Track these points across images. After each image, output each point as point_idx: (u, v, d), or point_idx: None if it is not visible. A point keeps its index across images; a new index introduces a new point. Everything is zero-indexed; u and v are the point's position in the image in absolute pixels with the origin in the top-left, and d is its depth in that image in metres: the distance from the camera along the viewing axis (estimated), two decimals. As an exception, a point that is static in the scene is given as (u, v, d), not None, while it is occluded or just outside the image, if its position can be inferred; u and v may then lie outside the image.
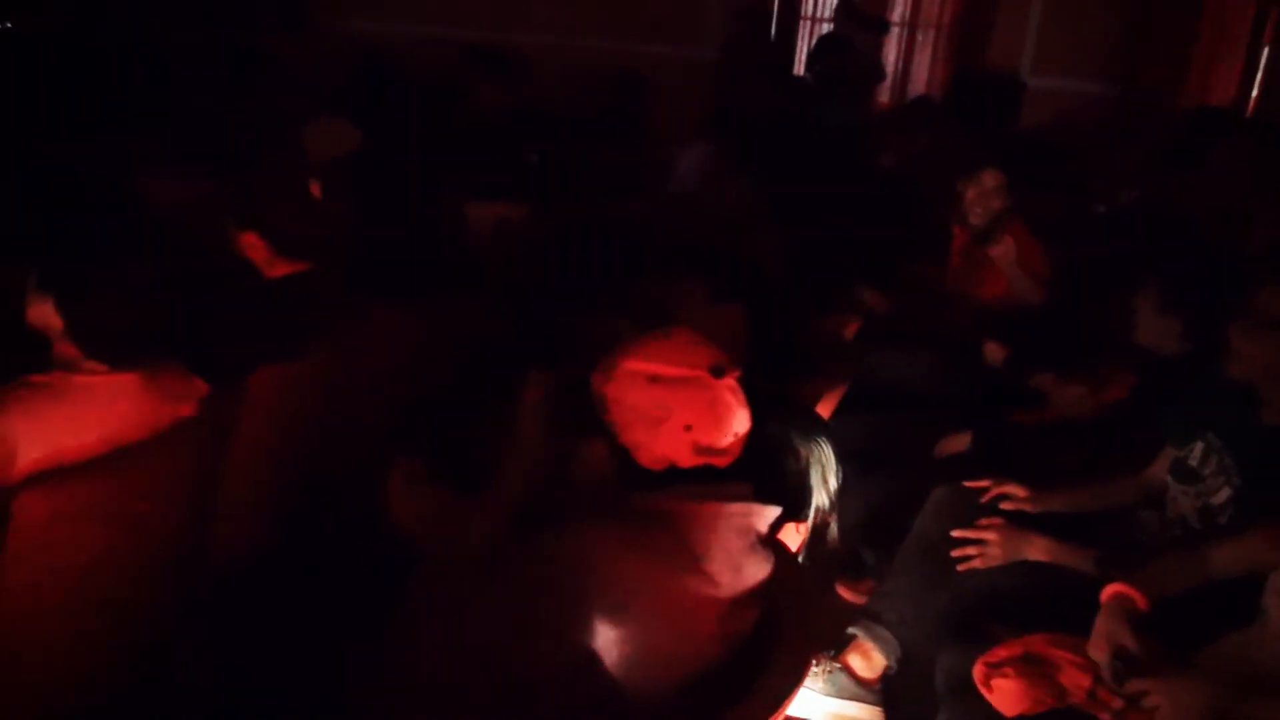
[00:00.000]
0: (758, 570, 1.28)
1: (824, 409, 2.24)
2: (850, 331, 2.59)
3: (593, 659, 1.19)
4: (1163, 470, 2.06)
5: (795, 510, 1.32)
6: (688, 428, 1.27)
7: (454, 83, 4.47)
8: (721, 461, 1.28)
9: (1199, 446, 1.96)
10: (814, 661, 2.04)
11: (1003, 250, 2.92)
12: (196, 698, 1.88)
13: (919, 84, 6.94)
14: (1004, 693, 1.61)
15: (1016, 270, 2.94)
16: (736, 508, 1.27)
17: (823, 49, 6.14)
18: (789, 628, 1.30)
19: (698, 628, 1.24)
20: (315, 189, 2.08)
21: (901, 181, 4.01)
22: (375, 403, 2.23)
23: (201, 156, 3.27)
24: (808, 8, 6.90)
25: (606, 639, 1.18)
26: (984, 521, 2.02)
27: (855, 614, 2.13)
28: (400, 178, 2.55)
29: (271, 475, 2.03)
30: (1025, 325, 2.85)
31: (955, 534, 2.01)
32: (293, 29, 5.25)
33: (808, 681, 1.90)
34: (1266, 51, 5.75)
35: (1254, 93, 5.84)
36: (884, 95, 6.78)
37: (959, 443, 2.47)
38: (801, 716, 2.10)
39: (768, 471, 1.32)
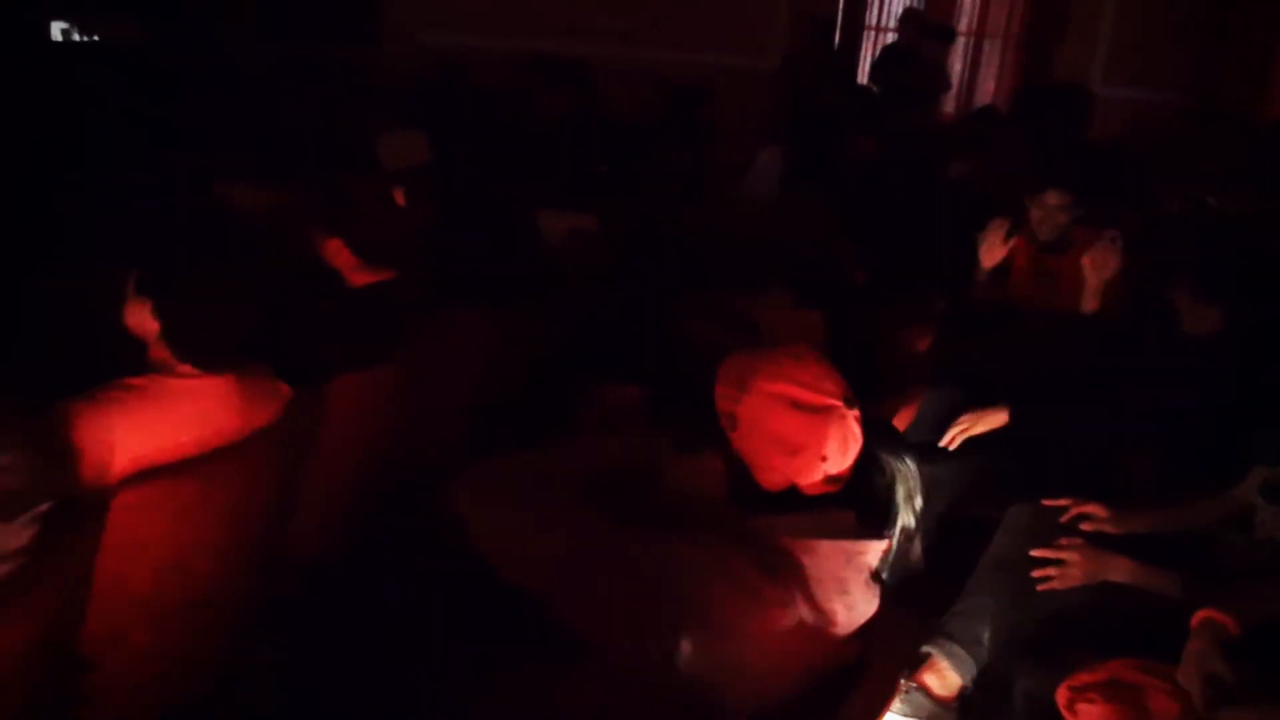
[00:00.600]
0: (869, 606, 1.27)
1: (898, 424, 2.22)
2: (923, 344, 2.56)
3: (685, 679, 1.18)
4: (1251, 491, 2.00)
5: (879, 528, 1.31)
6: (824, 459, 1.26)
7: (521, 93, 4.52)
8: (836, 488, 1.28)
9: (1294, 468, 1.90)
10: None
11: (1091, 259, 2.84)
12: (272, 696, 1.92)
13: (985, 94, 6.85)
14: (1089, 718, 1.58)
15: (1096, 279, 2.86)
16: (853, 545, 1.26)
17: (887, 59, 6.09)
18: (876, 651, 1.28)
19: (803, 661, 1.23)
20: (399, 198, 2.12)
21: (968, 192, 3.96)
22: (452, 409, 2.26)
23: (279, 165, 3.35)
24: (872, 17, 6.84)
25: (704, 663, 1.18)
26: (1064, 541, 1.99)
27: (931, 632, 2.10)
28: (477, 187, 2.58)
29: (350, 478, 2.07)
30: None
31: (1034, 553, 1.98)
32: (365, 41, 5.36)
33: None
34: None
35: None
36: (949, 105, 6.69)
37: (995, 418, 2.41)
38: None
39: (856, 489, 1.31)
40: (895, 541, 1.32)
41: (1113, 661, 1.67)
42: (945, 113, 6.56)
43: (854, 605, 1.25)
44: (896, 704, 2.05)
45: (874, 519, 1.32)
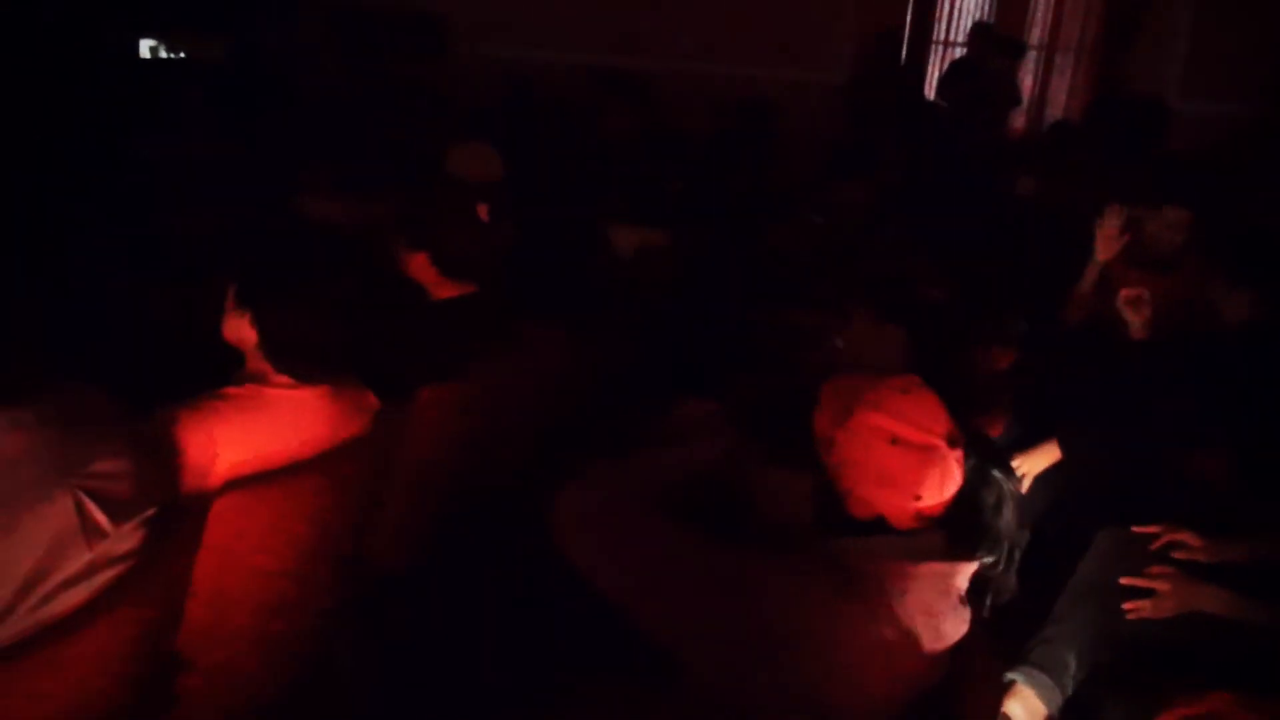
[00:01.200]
0: (957, 630, 1.25)
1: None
2: (1004, 362, 2.52)
3: (768, 701, 1.18)
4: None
5: (971, 549, 1.28)
6: (918, 497, 1.25)
7: (587, 109, 4.56)
8: (925, 524, 1.26)
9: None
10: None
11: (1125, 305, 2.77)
12: (352, 699, 1.95)
13: (1057, 108, 6.73)
14: (1187, 753, 1.53)
15: (1136, 318, 2.78)
16: (942, 567, 1.24)
17: (956, 73, 6.03)
18: (968, 677, 1.26)
19: (887, 684, 1.22)
20: (482, 213, 2.15)
21: (1040, 209, 3.89)
22: (528, 422, 2.27)
23: (357, 179, 3.42)
24: (940, 31, 6.77)
25: (788, 685, 1.17)
26: (1155, 569, 1.93)
27: (1016, 659, 2.05)
28: (551, 203, 2.61)
29: (432, 489, 2.09)
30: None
31: (1124, 581, 1.92)
32: (432, 56, 5.46)
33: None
34: None
35: None
36: (1019, 121, 6.59)
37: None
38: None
39: (959, 506, 1.28)
40: (1000, 562, 1.29)
41: (1212, 694, 1.61)
42: (1015, 128, 6.46)
43: (941, 629, 1.23)
44: (981, 732, 2.01)
45: (967, 539, 1.30)
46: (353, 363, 1.83)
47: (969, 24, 6.51)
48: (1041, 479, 2.37)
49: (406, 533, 2.07)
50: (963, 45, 6.58)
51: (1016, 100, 6.25)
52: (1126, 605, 1.91)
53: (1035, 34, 6.78)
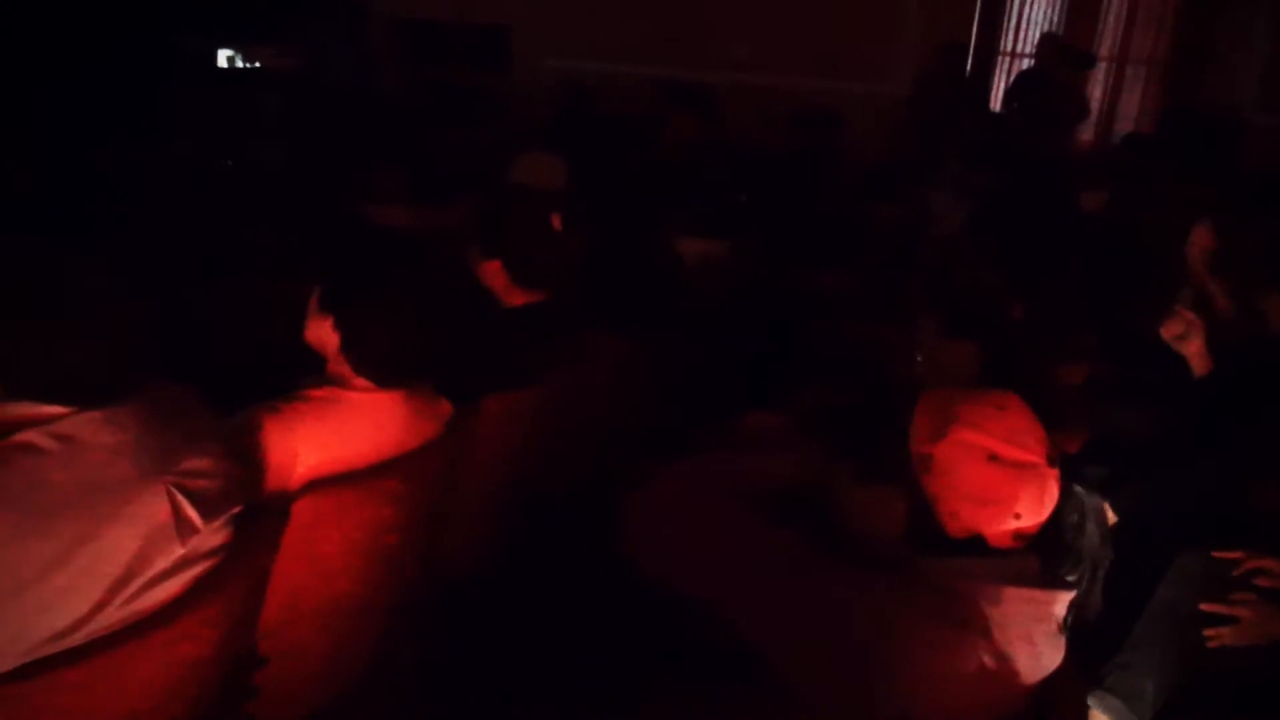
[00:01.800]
0: (1054, 657, 1.23)
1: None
2: (1078, 378, 2.47)
3: (851, 713, 1.17)
4: None
5: (1068, 574, 1.26)
6: (1017, 515, 1.23)
7: (650, 120, 4.58)
8: (1022, 544, 1.24)
9: None
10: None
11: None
12: (417, 696, 1.98)
13: (1126, 122, 6.59)
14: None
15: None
16: (1040, 594, 1.22)
17: (1022, 85, 5.93)
18: (1058, 703, 1.24)
19: (982, 710, 1.20)
20: (555, 222, 2.17)
21: (1110, 223, 3.80)
22: (595, 429, 2.29)
23: (424, 187, 3.48)
24: (1007, 43, 6.68)
25: (880, 704, 1.15)
26: (1238, 596, 1.87)
27: (1092, 684, 2.01)
28: (620, 213, 2.62)
29: (498, 493, 2.12)
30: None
31: (1205, 608, 1.87)
32: (498, 67, 5.54)
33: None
34: None
35: None
36: (1087, 134, 6.46)
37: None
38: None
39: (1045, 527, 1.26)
40: (1083, 580, 1.27)
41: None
42: (1083, 141, 6.34)
43: (1039, 655, 1.21)
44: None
45: (1060, 561, 1.27)
46: (427, 368, 1.85)
47: (1037, 35, 6.41)
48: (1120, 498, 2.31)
49: (475, 536, 2.10)
50: (1030, 57, 6.48)
51: (1084, 113, 6.14)
52: (1208, 632, 1.85)
53: (1105, 46, 6.65)
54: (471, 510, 2.07)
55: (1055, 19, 6.70)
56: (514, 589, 2.00)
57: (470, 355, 2.01)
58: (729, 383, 2.49)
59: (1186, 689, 1.87)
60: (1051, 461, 1.23)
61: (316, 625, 1.75)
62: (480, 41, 5.76)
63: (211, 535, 1.33)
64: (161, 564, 1.26)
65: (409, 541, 1.86)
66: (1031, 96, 5.61)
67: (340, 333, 1.67)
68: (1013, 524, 1.22)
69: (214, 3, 4.79)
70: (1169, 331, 2.54)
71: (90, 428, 1.22)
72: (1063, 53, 5.93)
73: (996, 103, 6.32)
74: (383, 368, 1.69)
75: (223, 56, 4.86)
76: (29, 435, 1.19)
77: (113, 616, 1.22)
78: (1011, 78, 6.39)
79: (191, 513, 1.29)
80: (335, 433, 1.64)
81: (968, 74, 6.24)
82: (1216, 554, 1.98)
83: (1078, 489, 1.27)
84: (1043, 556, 1.28)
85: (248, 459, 1.50)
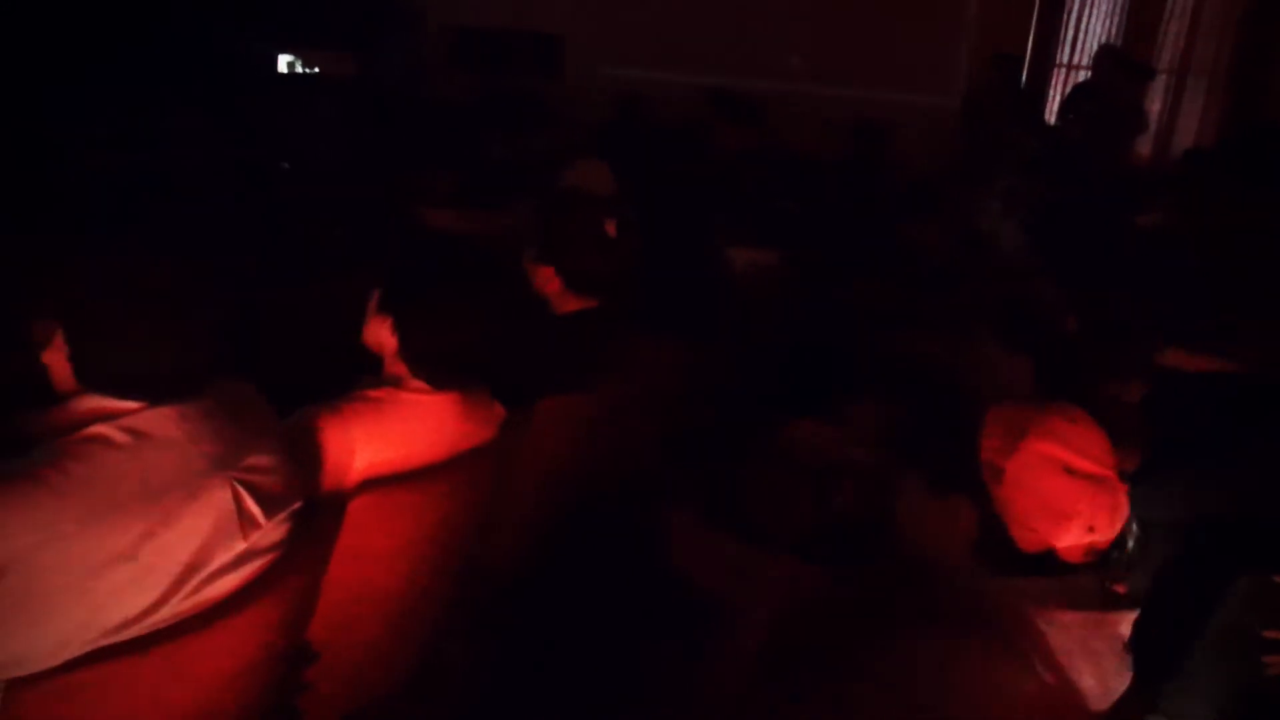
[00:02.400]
0: (1122, 680, 1.21)
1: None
2: (1135, 396, 2.42)
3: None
4: None
5: (1131, 594, 1.24)
6: (1091, 529, 1.21)
7: (699, 128, 4.59)
8: (1094, 559, 1.22)
9: None
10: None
11: None
12: (463, 693, 2.00)
13: (1186, 135, 6.45)
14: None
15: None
16: (1107, 615, 1.20)
17: (1078, 96, 5.84)
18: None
19: None
20: (610, 229, 2.19)
21: (1169, 239, 3.73)
22: (645, 435, 2.30)
23: (477, 192, 3.52)
24: (1063, 54, 6.58)
25: None
26: (1301, 622, 1.82)
27: (1145, 708, 1.97)
28: (673, 221, 2.63)
29: (550, 497, 2.13)
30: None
31: (1267, 635, 1.82)
32: (552, 74, 5.58)
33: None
34: None
35: None
36: (1145, 148, 6.34)
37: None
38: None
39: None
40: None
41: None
42: (1140, 155, 6.22)
43: (1107, 679, 1.19)
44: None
45: (1116, 576, 1.25)
46: (482, 371, 1.88)
47: (1094, 46, 6.31)
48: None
49: (525, 539, 2.12)
50: (1088, 69, 6.37)
51: (1143, 126, 6.02)
52: (1267, 659, 1.80)
53: (1165, 57, 6.52)
54: (522, 512, 2.08)
55: (1114, 30, 6.59)
56: (562, 593, 2.01)
57: (524, 359, 2.03)
58: (778, 391, 2.48)
59: (1244, 715, 1.83)
60: (1122, 476, 1.21)
61: (368, 621, 1.78)
62: (534, 49, 5.82)
63: (272, 531, 1.36)
64: (223, 558, 1.29)
65: (460, 542, 1.88)
66: (1088, 109, 5.52)
67: (398, 335, 1.70)
68: (1088, 538, 1.20)
69: (276, 10, 4.91)
70: None
71: (160, 423, 1.25)
72: (1121, 64, 5.82)
73: (1052, 115, 6.22)
74: (438, 370, 1.71)
75: (283, 62, 4.97)
76: (101, 428, 1.22)
77: (176, 608, 1.25)
78: (1068, 90, 6.29)
79: (254, 508, 1.32)
80: (391, 432, 1.67)
81: (1022, 86, 6.16)
82: (1278, 577, 1.93)
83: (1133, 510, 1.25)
84: (1101, 573, 1.25)
85: (307, 456, 1.53)
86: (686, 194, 3.68)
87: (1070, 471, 1.20)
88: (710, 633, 1.47)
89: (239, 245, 2.58)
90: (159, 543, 1.23)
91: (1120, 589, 1.30)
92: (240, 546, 1.31)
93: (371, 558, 1.71)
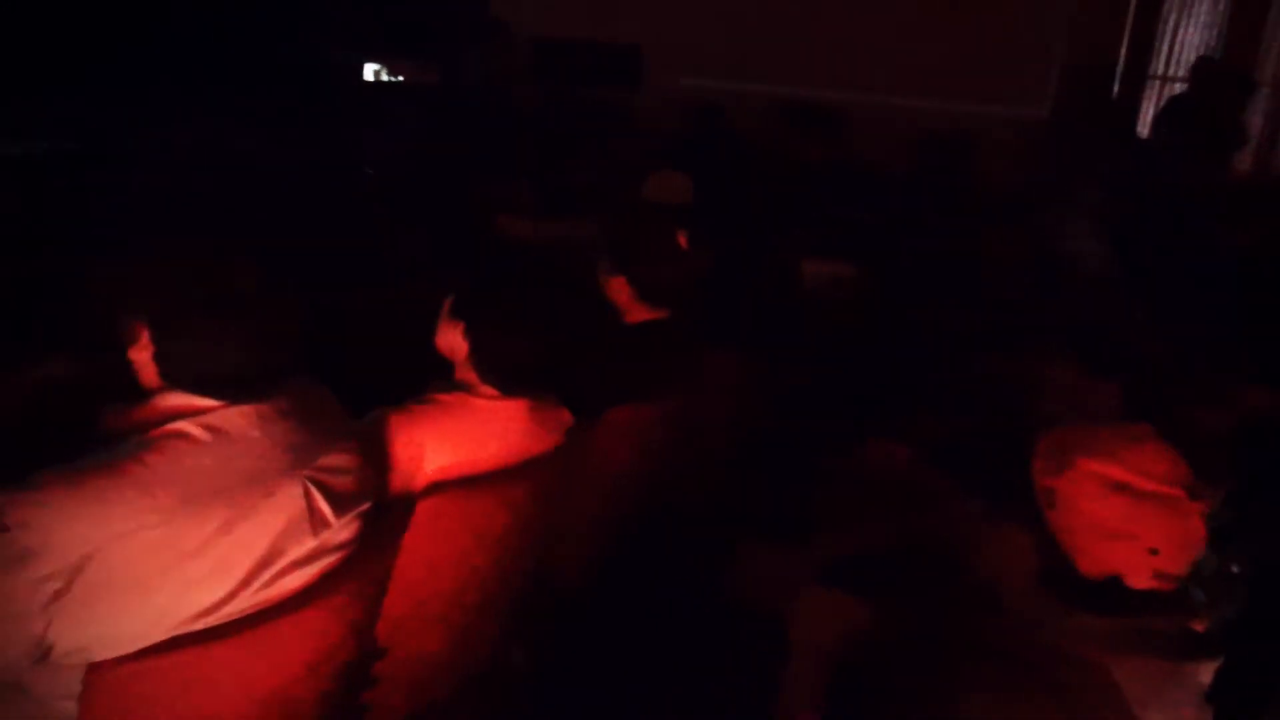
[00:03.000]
0: None
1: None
2: (1224, 424, 2.32)
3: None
4: None
5: (1212, 637, 1.18)
6: (1154, 551, 1.16)
7: (777, 139, 4.56)
8: (1169, 586, 1.17)
9: None
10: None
11: None
12: (525, 696, 2.01)
13: (1289, 152, 6.17)
14: None
15: None
16: (1184, 663, 1.14)
17: (1172, 110, 5.63)
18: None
19: None
20: (682, 240, 2.19)
21: (1267, 260, 3.56)
22: (710, 447, 2.29)
23: (554, 202, 3.56)
24: (1158, 66, 6.35)
25: None
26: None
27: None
28: (747, 233, 2.62)
29: (615, 506, 2.14)
30: None
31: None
32: (631, 85, 5.62)
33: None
34: None
35: None
36: (1245, 163, 6.08)
37: None
38: None
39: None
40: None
41: None
42: (1240, 171, 5.97)
43: None
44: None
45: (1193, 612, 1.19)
46: (551, 379, 1.89)
47: (1192, 57, 6.08)
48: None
49: (589, 549, 2.12)
50: (1184, 81, 6.14)
51: (1242, 141, 5.77)
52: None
53: (1268, 70, 6.24)
54: (587, 521, 2.09)
55: (1212, 40, 6.33)
56: (624, 609, 2.01)
57: (593, 368, 2.04)
58: (850, 409, 2.44)
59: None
60: (1194, 495, 1.16)
61: (434, 622, 1.80)
62: (613, 60, 5.87)
63: (341, 529, 1.39)
64: (294, 554, 1.32)
65: (525, 547, 1.89)
66: (1184, 123, 5.32)
67: (469, 340, 1.72)
68: (1150, 560, 1.15)
69: (363, 19, 5.05)
70: None
71: (239, 421, 1.29)
72: (1220, 77, 5.60)
73: (1145, 130, 6.01)
74: (508, 376, 1.73)
75: (369, 70, 5.11)
76: (183, 425, 1.27)
77: (246, 601, 1.28)
78: (1163, 103, 6.07)
79: (324, 507, 1.35)
80: (461, 437, 1.69)
81: (1114, 98, 5.97)
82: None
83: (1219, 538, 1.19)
84: (1179, 615, 1.20)
85: (377, 458, 1.56)
86: (762, 206, 3.65)
87: (1123, 489, 1.15)
88: (776, 661, 1.45)
89: (319, 249, 2.64)
90: (234, 537, 1.26)
91: (1199, 627, 1.24)
92: (311, 543, 1.34)
93: (438, 559, 1.73)
